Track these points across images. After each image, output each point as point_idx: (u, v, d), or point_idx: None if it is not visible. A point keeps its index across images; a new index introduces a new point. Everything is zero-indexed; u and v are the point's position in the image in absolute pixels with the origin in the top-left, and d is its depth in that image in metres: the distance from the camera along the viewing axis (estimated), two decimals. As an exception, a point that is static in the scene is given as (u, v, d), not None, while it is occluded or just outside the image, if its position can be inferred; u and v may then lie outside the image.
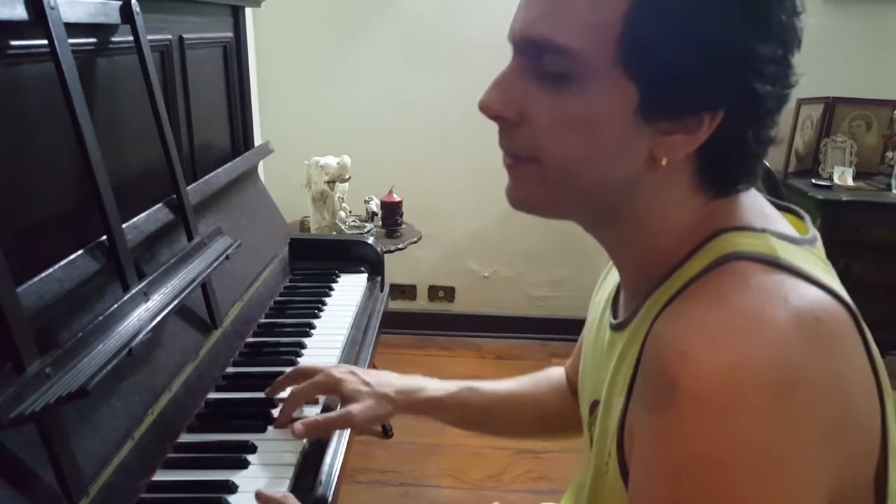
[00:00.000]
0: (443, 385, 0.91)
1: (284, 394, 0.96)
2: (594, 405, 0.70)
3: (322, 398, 0.99)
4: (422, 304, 2.93)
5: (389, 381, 0.90)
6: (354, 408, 0.86)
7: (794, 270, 0.52)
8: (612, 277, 0.75)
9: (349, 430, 0.98)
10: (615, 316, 0.68)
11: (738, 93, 0.52)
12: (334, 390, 0.90)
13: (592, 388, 0.71)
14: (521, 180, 0.60)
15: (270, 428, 0.94)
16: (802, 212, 0.64)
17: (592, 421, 0.70)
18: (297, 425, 0.85)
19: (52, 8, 0.77)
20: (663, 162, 0.55)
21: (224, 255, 1.06)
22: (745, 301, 0.50)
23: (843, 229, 2.28)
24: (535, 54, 0.55)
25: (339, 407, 0.91)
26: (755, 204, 0.60)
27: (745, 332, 0.48)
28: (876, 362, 0.53)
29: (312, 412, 0.94)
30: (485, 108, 0.57)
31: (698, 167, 0.56)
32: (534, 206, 0.61)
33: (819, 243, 0.60)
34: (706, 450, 0.47)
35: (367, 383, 0.88)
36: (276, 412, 0.96)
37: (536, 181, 0.59)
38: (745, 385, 0.46)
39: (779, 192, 1.28)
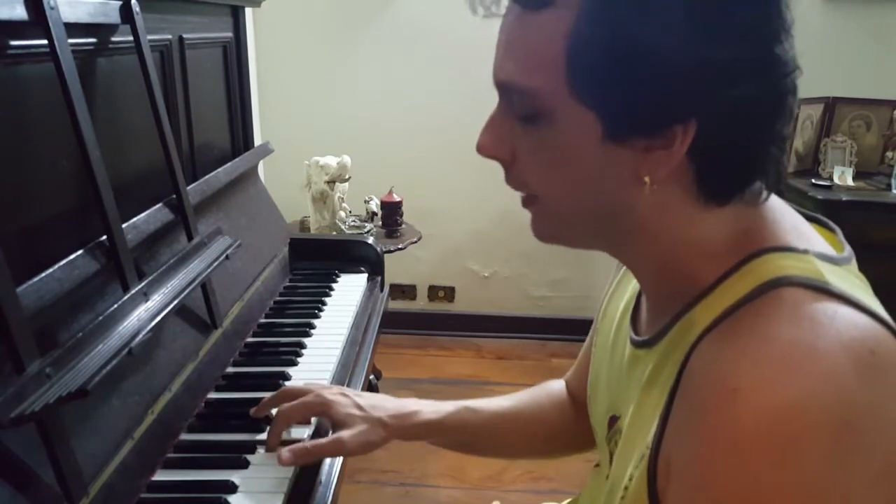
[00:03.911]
0: (439, 407, 0.86)
1: (274, 412, 0.92)
2: (613, 420, 0.68)
3: (314, 419, 0.94)
4: (422, 304, 2.93)
5: (383, 404, 0.85)
6: (346, 434, 0.81)
7: (844, 297, 0.51)
8: (629, 284, 0.72)
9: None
10: (636, 331, 0.66)
11: (703, 101, 0.50)
12: (325, 413, 0.85)
13: (610, 402, 0.70)
14: (534, 216, 0.62)
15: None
16: (833, 224, 0.62)
17: (611, 436, 0.68)
18: (284, 452, 0.80)
19: (52, 8, 0.77)
20: (646, 180, 0.54)
21: (224, 255, 1.06)
22: (799, 335, 0.48)
23: (843, 229, 2.25)
24: (508, 97, 0.57)
25: (330, 432, 0.87)
26: (789, 220, 0.58)
27: (800, 371, 0.46)
28: None
29: (303, 432, 0.91)
30: (480, 150, 0.59)
31: (697, 176, 0.54)
32: (553, 239, 0.63)
33: (854, 261, 0.58)
34: (756, 496, 0.45)
35: (359, 406, 0.84)
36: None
37: (544, 217, 0.61)
38: (800, 428, 0.45)
39: (779, 194, 1.28)
